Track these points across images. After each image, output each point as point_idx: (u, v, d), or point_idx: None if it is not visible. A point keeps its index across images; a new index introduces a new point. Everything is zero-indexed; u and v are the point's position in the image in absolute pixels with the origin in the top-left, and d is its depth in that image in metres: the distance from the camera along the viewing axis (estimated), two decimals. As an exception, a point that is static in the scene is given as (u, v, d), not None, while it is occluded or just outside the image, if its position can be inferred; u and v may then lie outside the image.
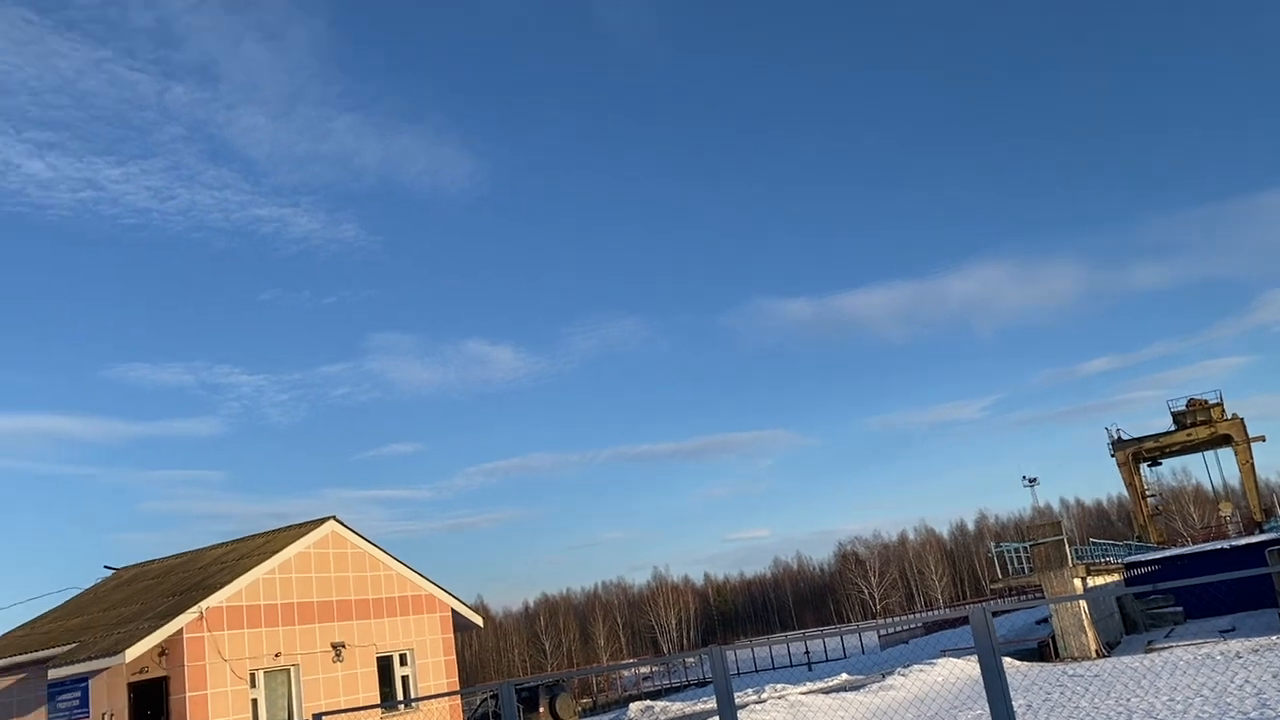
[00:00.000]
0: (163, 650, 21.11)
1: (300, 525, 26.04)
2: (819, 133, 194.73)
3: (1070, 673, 28.08)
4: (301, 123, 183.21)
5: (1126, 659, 30.47)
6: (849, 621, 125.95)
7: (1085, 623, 34.52)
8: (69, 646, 22.32)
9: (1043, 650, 35.66)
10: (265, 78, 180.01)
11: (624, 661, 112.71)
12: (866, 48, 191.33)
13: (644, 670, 76.60)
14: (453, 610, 28.87)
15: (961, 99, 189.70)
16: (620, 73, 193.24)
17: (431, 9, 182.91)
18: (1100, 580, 40.77)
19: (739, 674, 61.37)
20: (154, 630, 20.70)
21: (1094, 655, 33.52)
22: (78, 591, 29.43)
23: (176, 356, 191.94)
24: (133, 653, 20.02)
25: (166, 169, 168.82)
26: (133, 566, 30.17)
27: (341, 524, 25.87)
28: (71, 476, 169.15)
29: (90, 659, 20.56)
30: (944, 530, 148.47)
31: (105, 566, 30.79)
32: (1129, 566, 46.32)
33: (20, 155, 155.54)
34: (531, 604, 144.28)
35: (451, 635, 28.64)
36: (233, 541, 27.84)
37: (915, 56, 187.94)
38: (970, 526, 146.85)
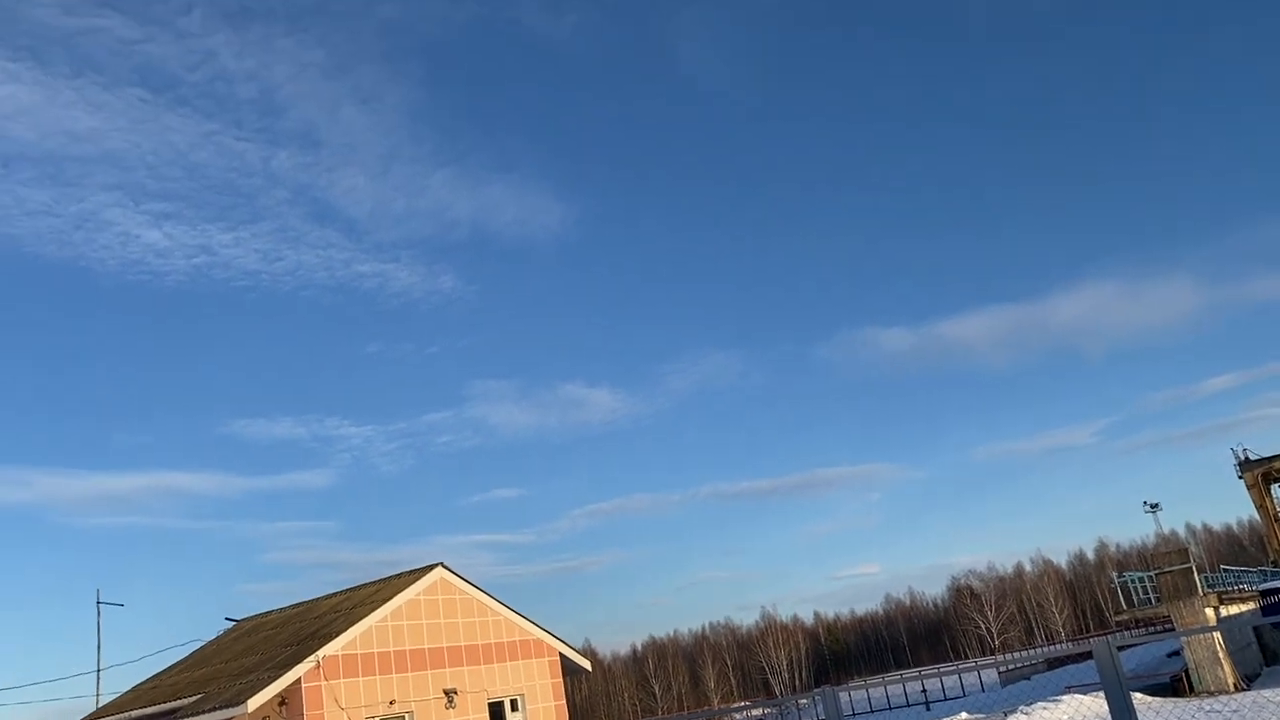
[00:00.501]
0: (283, 700, 21.62)
1: (410, 573, 26.50)
2: (912, 160, 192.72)
3: (1207, 708, 26.65)
4: (399, 180, 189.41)
5: (1268, 692, 28.81)
6: (966, 658, 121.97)
7: (1220, 655, 32.76)
8: (195, 698, 23.05)
9: (1175, 685, 33.92)
10: (363, 139, 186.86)
11: (736, 704, 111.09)
12: (950, 81, 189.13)
13: (756, 712, 75.39)
14: (561, 654, 28.91)
15: (1057, 117, 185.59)
16: (704, 116, 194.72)
17: (517, 64, 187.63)
18: (1234, 609, 38.69)
19: (854, 715, 59.96)
20: (274, 680, 21.23)
21: (1232, 689, 31.75)
22: (201, 644, 30.43)
23: (290, 410, 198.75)
24: (254, 702, 20.56)
25: (274, 232, 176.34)
26: (252, 618, 31.08)
27: (449, 570, 26.23)
28: (193, 531, 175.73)
29: (215, 709, 21.17)
30: (1062, 561, 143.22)
31: (226, 619, 31.79)
32: (1265, 594, 43.87)
33: (140, 226, 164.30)
34: (639, 647, 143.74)
35: (561, 680, 28.65)
36: (346, 590, 28.46)
37: (1007, 80, 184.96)
38: (1090, 556, 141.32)
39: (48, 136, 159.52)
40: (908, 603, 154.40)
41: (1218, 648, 32.76)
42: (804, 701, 68.13)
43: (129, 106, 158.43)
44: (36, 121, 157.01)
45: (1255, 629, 39.65)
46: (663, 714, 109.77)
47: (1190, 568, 34.47)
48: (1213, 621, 33.16)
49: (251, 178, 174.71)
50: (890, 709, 59.56)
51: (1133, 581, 37.00)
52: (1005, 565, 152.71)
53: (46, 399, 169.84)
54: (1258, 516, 68.63)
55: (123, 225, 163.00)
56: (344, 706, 22.14)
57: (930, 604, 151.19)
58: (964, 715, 37.58)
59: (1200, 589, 34.01)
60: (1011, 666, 70.37)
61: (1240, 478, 64.12)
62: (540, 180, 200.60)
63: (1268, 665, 38.42)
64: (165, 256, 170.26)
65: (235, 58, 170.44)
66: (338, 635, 22.84)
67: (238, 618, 31.58)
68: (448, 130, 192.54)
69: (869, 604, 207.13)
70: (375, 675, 23.23)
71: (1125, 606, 37.37)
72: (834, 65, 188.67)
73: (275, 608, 30.82)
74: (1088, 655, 33.22)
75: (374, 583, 27.50)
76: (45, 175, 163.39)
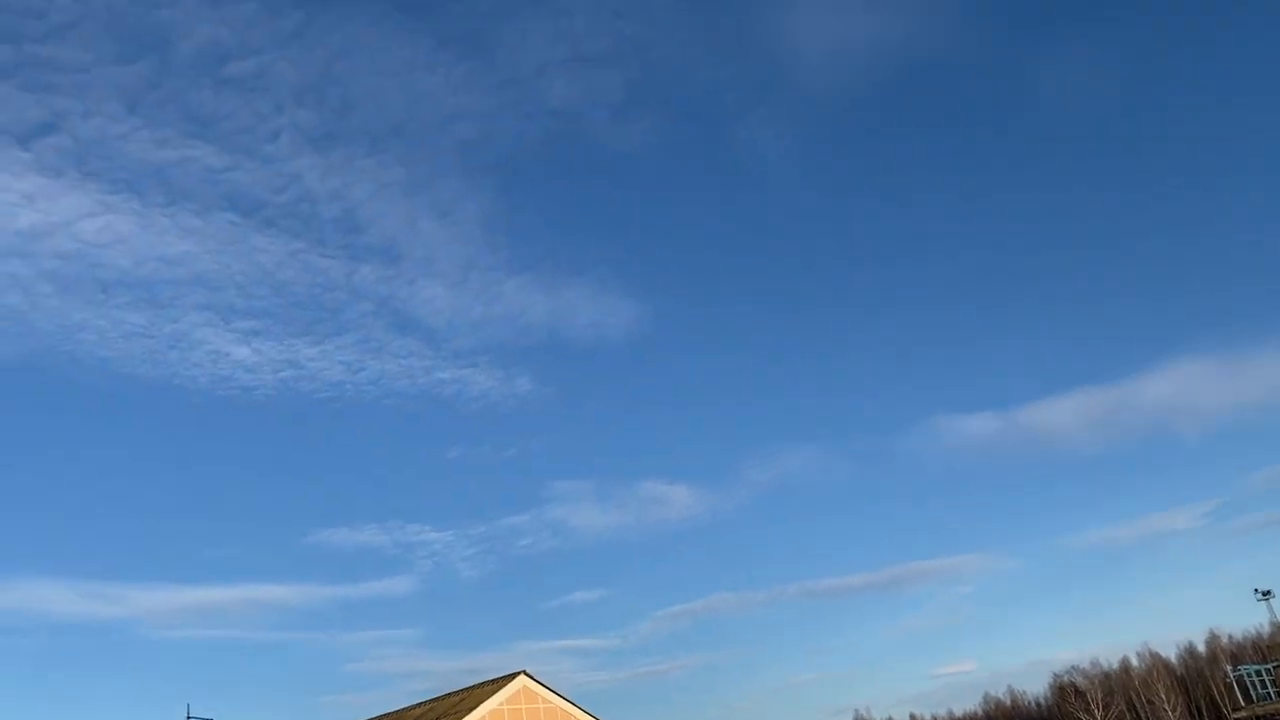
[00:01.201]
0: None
1: (493, 681, 26.23)
2: (991, 244, 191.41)
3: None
4: (476, 288, 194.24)
5: None
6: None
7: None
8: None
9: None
10: (441, 250, 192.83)
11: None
12: (1030, 156, 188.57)
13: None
14: (648, 764, 28.10)
15: (1140, 195, 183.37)
16: (772, 210, 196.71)
17: (588, 172, 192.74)
18: (1365, 704, 36.13)
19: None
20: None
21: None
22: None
23: (372, 518, 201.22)
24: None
25: (357, 343, 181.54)
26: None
27: (532, 678, 25.90)
28: (279, 642, 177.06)
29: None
30: (1171, 654, 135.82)
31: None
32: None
33: (229, 343, 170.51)
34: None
35: (648, 791, 27.79)
36: (429, 701, 28.25)
37: (1083, 154, 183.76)
38: (1201, 649, 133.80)
39: (143, 263, 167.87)
40: (1008, 702, 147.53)
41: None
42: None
43: (219, 230, 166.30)
44: (133, 249, 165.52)
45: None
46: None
47: (1312, 660, 32.44)
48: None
49: (335, 292, 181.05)
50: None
51: (1250, 675, 34.92)
52: (1110, 660, 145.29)
53: (138, 515, 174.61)
54: (1381, 602, 64.39)
55: (213, 343, 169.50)
56: (429, 822, 21.73)
57: (1032, 703, 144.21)
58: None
59: (1325, 682, 31.93)
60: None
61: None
62: (613, 280, 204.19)
63: None
64: (254, 372, 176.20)
65: (319, 179, 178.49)
66: (422, 747, 22.57)
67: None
68: (523, 238, 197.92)
69: (967, 704, 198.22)
70: (460, 788, 22.81)
71: (1244, 703, 35.22)
72: (904, 152, 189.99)
73: (363, 719, 30.64)
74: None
75: (457, 692, 27.27)
76: (141, 299, 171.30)
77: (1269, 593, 67.12)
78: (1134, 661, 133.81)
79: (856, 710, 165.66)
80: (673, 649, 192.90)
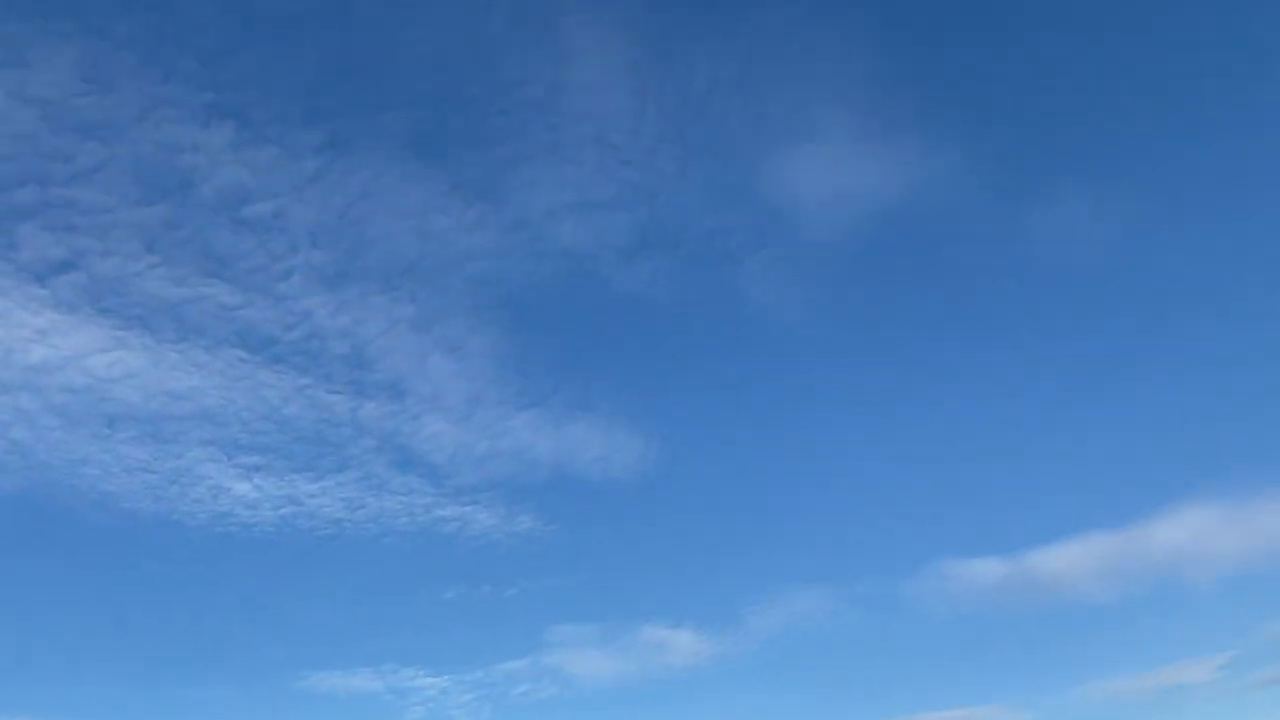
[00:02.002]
0: None
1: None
2: (994, 386, 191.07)
3: None
4: (481, 424, 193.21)
5: None
6: None
7: None
8: None
9: None
10: (448, 386, 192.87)
11: None
12: (1025, 307, 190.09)
13: None
14: None
15: (1142, 341, 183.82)
16: (777, 352, 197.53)
17: (597, 310, 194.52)
18: None
19: None
20: None
21: None
22: None
23: (367, 661, 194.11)
24: None
25: (358, 480, 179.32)
26: None
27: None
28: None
29: None
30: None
31: None
32: None
33: (231, 479, 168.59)
34: None
35: None
36: None
37: (1083, 301, 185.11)
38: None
39: (151, 397, 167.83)
40: None
41: None
42: None
43: (228, 366, 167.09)
44: (142, 384, 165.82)
45: None
46: None
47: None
48: None
49: (340, 428, 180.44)
50: None
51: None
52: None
53: (126, 653, 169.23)
54: None
55: (215, 479, 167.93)
56: None
57: None
58: None
59: None
60: None
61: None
62: (620, 418, 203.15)
63: None
64: (254, 508, 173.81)
65: (330, 316, 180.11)
66: None
67: None
68: (530, 374, 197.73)
69: None
70: None
71: None
72: (906, 297, 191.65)
73: None
74: None
75: None
76: (146, 434, 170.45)
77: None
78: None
79: None
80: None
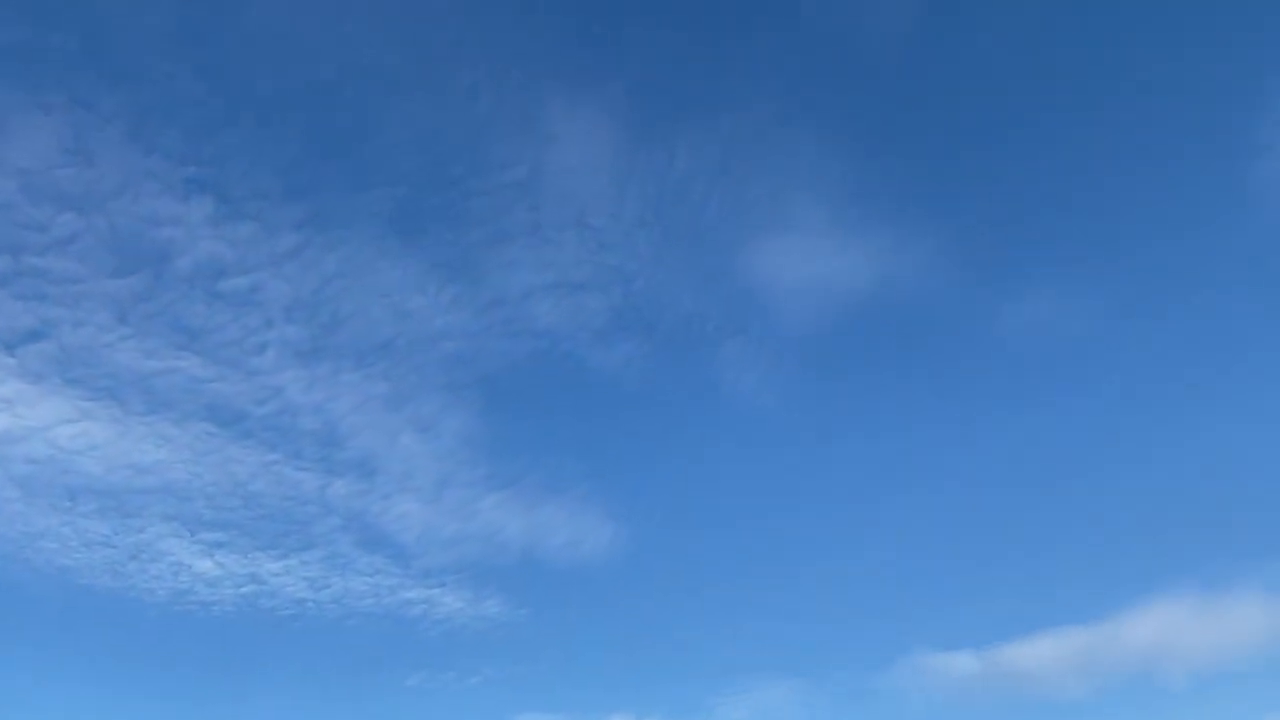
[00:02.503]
0: None
1: None
2: (965, 476, 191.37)
3: None
4: (451, 504, 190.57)
5: None
6: None
7: None
8: None
9: None
10: (419, 465, 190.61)
11: None
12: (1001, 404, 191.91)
13: None
14: None
15: (1112, 431, 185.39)
16: (749, 436, 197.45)
17: (571, 392, 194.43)
18: None
19: None
20: None
21: None
22: None
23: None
24: None
25: (323, 559, 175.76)
26: None
27: None
28: None
29: None
30: None
31: None
32: None
33: (193, 556, 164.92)
34: None
35: None
36: None
37: (1053, 391, 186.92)
38: None
39: (114, 470, 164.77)
40: None
41: None
42: None
43: (196, 440, 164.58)
44: (105, 455, 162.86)
45: None
46: None
47: None
48: None
49: (307, 506, 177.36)
50: None
51: None
52: None
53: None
54: None
55: (176, 555, 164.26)
56: None
57: None
58: None
59: None
60: None
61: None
62: (592, 500, 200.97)
63: None
64: (215, 586, 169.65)
65: (302, 392, 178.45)
66: None
67: None
68: (502, 455, 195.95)
69: None
70: None
71: None
72: (877, 384, 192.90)
73: None
74: None
75: None
76: (108, 507, 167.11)
77: None
78: None
79: None
80: None
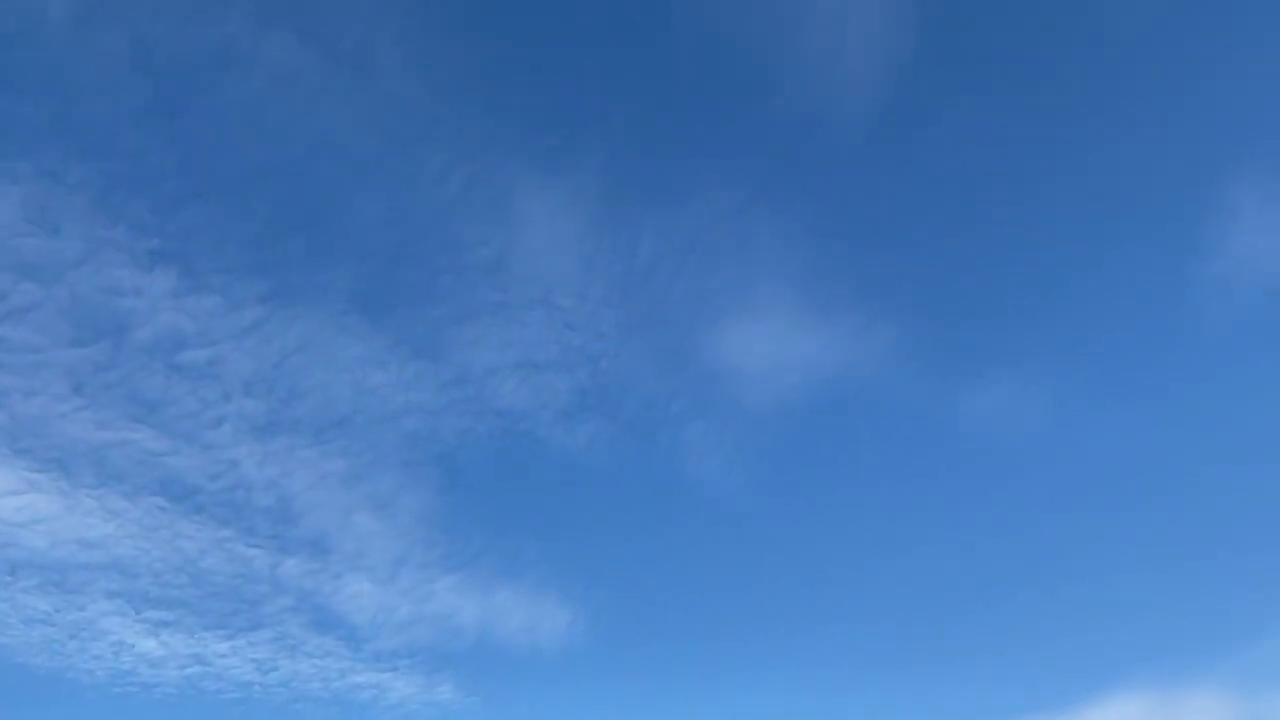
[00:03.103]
0: None
1: None
2: (922, 574, 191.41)
3: None
4: (405, 585, 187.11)
5: None
6: None
7: None
8: None
9: None
10: (373, 545, 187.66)
11: None
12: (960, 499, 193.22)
13: None
14: None
15: (1068, 527, 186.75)
16: (712, 520, 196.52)
17: (531, 472, 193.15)
18: None
19: None
20: None
21: None
22: None
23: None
24: None
25: (272, 640, 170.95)
26: None
27: None
28: None
29: None
30: None
31: None
32: None
33: (136, 635, 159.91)
34: None
35: None
36: None
37: (1009, 482, 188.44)
38: None
39: (59, 544, 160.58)
40: None
41: None
42: None
43: (145, 514, 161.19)
44: (50, 529, 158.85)
45: None
46: None
47: None
48: None
49: (257, 584, 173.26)
50: None
51: None
52: None
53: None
54: None
55: (119, 634, 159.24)
56: None
57: None
58: None
59: None
60: None
61: None
62: (550, 584, 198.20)
63: None
64: (158, 667, 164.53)
65: (257, 467, 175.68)
66: None
67: None
68: (460, 536, 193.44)
69: None
70: None
71: None
72: (838, 470, 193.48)
73: None
74: None
75: None
76: (50, 582, 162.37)
77: None
78: None
79: None
80: None
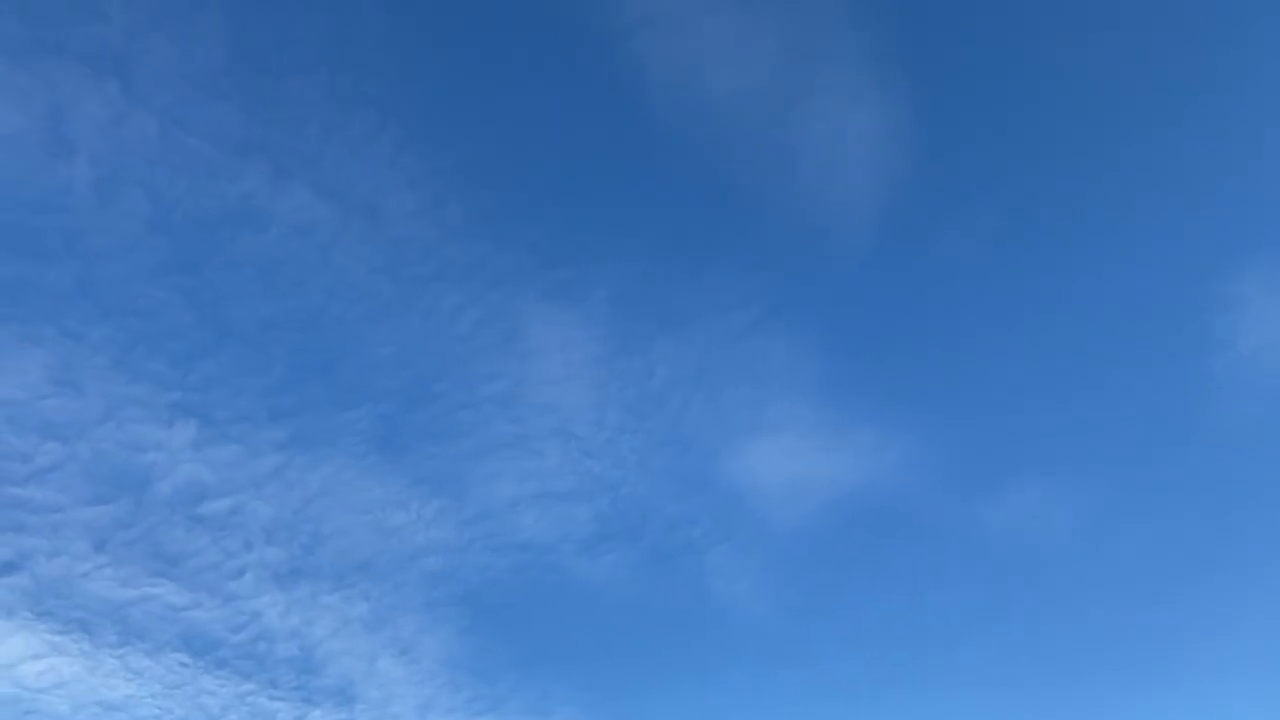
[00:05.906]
0: None
1: None
2: (953, 675, 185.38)
3: None
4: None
5: None
6: None
7: None
8: None
9: None
10: (399, 691, 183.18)
11: None
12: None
13: None
14: None
15: (1110, 630, 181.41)
16: (739, 642, 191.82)
17: (555, 604, 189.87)
18: None
19: None
20: None
21: None
22: None
23: None
24: None
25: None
26: None
27: None
28: None
29: None
30: None
31: None
32: None
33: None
34: None
35: None
36: None
37: (1035, 588, 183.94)
38: None
39: (81, 708, 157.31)
40: None
41: None
42: None
43: (168, 671, 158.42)
44: (72, 693, 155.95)
45: None
46: None
47: None
48: None
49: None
50: None
51: None
52: None
53: None
54: None
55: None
56: None
57: None
58: None
59: None
60: None
61: None
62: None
63: None
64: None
65: (280, 617, 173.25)
66: None
67: None
68: (486, 677, 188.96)
69: None
70: None
71: None
72: (864, 585, 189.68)
73: None
74: None
75: None
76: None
77: None
78: None
79: None
80: None
